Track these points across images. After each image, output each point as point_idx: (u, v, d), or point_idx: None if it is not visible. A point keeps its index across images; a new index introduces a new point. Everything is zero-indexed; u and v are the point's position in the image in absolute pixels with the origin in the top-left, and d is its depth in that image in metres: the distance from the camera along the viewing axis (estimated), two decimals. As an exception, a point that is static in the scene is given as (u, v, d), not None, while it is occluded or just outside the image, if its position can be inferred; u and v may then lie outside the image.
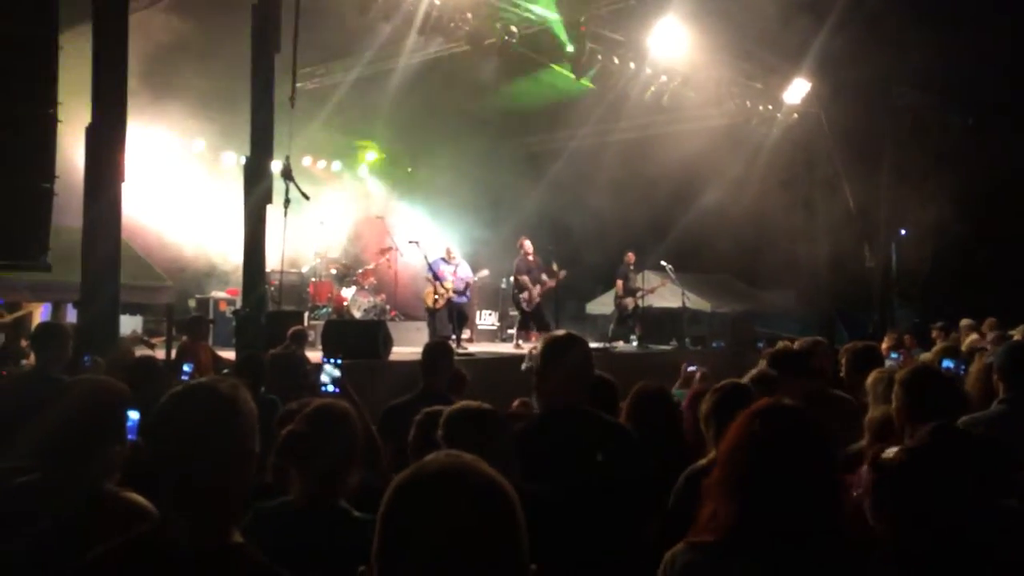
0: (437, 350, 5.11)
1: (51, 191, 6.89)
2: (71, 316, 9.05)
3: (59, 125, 6.93)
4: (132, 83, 7.89)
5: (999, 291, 15.03)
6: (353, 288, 14.01)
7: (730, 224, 15.56)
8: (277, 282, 11.40)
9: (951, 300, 15.88)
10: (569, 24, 12.95)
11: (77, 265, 7.49)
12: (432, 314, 12.76)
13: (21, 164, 6.81)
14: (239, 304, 10.14)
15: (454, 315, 12.54)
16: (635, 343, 14.70)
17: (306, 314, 11.94)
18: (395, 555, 1.18)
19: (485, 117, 15.87)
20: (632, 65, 13.89)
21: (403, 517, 1.20)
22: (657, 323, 15.35)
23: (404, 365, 8.87)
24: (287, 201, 9.29)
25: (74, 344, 5.47)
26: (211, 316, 12.30)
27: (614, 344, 14.27)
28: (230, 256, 12.86)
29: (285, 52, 9.36)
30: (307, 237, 14.39)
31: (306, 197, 9.74)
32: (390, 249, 14.49)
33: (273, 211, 9.28)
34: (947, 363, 5.72)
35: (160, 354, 8.85)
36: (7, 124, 6.74)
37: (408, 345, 11.54)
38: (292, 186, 9.37)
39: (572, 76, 13.65)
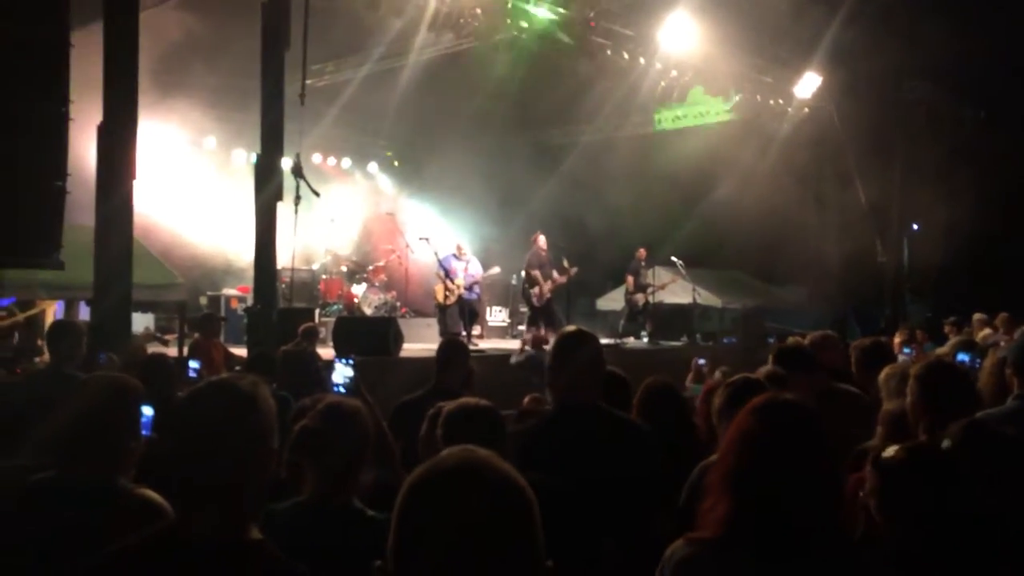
0: (453, 347, 5.10)
1: (63, 189, 6.93)
2: (84, 314, 9.09)
3: (71, 123, 6.96)
4: (143, 81, 7.91)
5: (1012, 286, 14.92)
6: (364, 285, 14.02)
7: (741, 220, 15.51)
8: (288, 279, 11.42)
9: (963, 295, 15.78)
10: (578, 19, 12.92)
11: (90, 263, 7.53)
12: (443, 311, 12.78)
13: (33, 163, 6.84)
14: (250, 301, 10.18)
15: (465, 312, 12.55)
16: (646, 339, 14.68)
17: (317, 311, 11.96)
18: (411, 551, 1.18)
19: (495, 113, 15.86)
20: (642, 60, 13.86)
21: (419, 513, 1.20)
22: (668, 319, 15.31)
23: (415, 362, 8.88)
24: (298, 198, 9.31)
25: (88, 341, 5.50)
26: (223, 313, 12.34)
27: (625, 340, 14.25)
28: (242, 254, 12.90)
29: (295, 49, 9.38)
30: (318, 234, 14.43)
31: (316, 194, 9.76)
32: (400, 246, 14.52)
33: (284, 208, 9.31)
34: (962, 357, 5.67)
35: (173, 351, 8.89)
36: (19, 123, 6.77)
37: (419, 342, 11.55)
38: (302, 183, 9.39)
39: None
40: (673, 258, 14.63)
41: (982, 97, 18.04)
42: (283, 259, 10.40)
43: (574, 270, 13.15)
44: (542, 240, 13.43)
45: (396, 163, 19.08)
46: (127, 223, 7.68)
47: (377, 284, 14.22)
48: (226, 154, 15.44)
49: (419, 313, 15.03)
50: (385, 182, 18.82)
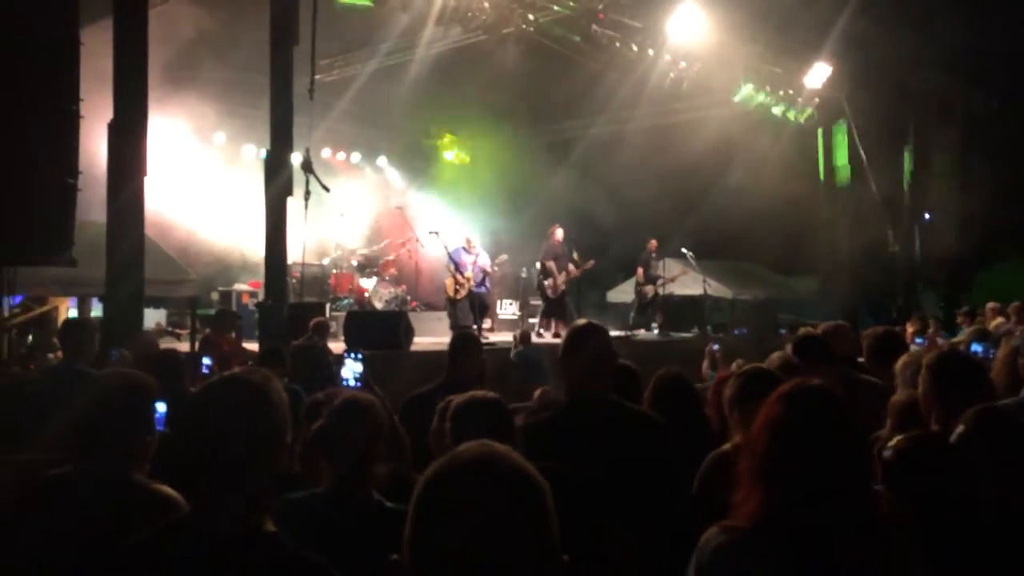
0: (465, 340, 5.09)
1: (75, 186, 6.96)
2: (96, 310, 9.13)
3: (81, 120, 6.98)
4: (152, 77, 7.94)
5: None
6: (374, 279, 14.04)
7: (753, 211, 15.43)
8: (299, 274, 11.43)
9: (975, 285, 15.70)
10: (587, 11, 12.89)
11: (102, 259, 7.56)
12: (453, 304, 12.79)
13: (45, 160, 6.87)
14: (261, 296, 10.20)
15: (476, 305, 12.55)
16: (656, 331, 14.65)
17: (328, 305, 11.99)
18: (427, 544, 1.18)
19: (503, 106, 15.83)
20: (651, 52, 13.80)
21: (436, 506, 1.20)
22: (679, 311, 15.27)
23: (425, 355, 8.89)
24: (307, 193, 9.31)
25: (100, 338, 5.52)
26: (234, 308, 12.38)
27: (635, 332, 14.23)
28: (253, 249, 12.93)
29: (304, 44, 9.38)
30: (327, 229, 14.44)
31: (326, 189, 9.77)
32: (410, 240, 14.53)
33: (294, 203, 9.32)
34: (976, 347, 5.64)
35: (184, 347, 8.92)
36: (30, 121, 6.80)
37: (429, 335, 11.55)
38: (312, 178, 9.40)
39: None
40: (683, 249, 14.59)
41: (994, 86, 17.89)
42: (294, 254, 10.41)
43: (590, 263, 13.15)
44: (559, 233, 13.46)
45: (405, 156, 19.07)
46: (138, 219, 7.71)
47: (387, 278, 14.23)
48: (236, 149, 15.47)
49: (429, 307, 15.05)
50: (394, 176, 18.82)
